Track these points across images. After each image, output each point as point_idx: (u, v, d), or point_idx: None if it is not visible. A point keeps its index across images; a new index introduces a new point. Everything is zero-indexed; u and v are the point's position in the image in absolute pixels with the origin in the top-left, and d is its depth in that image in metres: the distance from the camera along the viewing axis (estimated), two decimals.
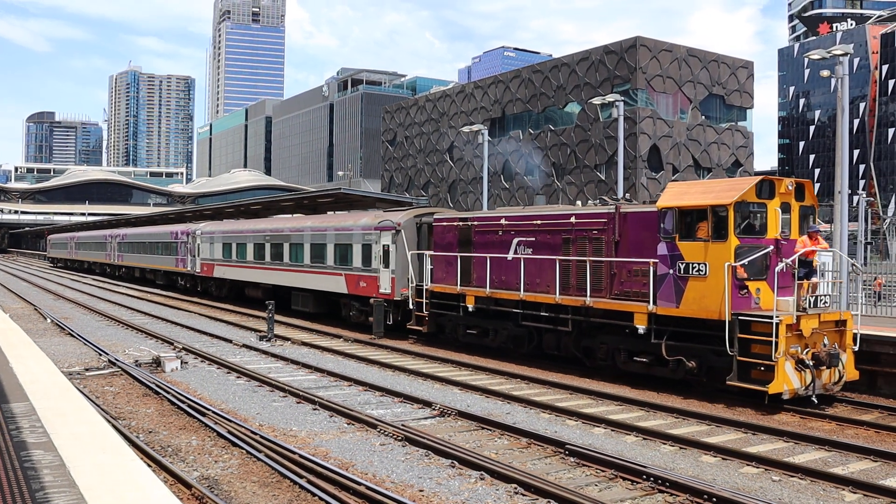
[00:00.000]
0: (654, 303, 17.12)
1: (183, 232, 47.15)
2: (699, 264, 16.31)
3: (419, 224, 26.12)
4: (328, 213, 38.88)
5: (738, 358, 15.54)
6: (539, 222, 21.02)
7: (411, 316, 25.32)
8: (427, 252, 24.85)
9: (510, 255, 21.62)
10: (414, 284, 25.08)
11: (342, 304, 29.79)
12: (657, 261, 17.14)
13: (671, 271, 16.80)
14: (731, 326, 15.55)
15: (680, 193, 17.16)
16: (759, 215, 16.60)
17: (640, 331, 17.46)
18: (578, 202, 22.75)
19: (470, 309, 22.83)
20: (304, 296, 32.27)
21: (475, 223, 23.25)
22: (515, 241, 21.57)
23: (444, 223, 24.65)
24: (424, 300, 24.60)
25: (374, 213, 28.94)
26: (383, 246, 26.48)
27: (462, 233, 23.59)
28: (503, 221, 22.15)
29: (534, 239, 21.01)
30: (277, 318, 30.24)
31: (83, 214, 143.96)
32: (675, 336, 17.04)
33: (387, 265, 26.28)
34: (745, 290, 16.02)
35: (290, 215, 42.48)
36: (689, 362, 16.69)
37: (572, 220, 19.89)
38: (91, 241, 76.35)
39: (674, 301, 16.75)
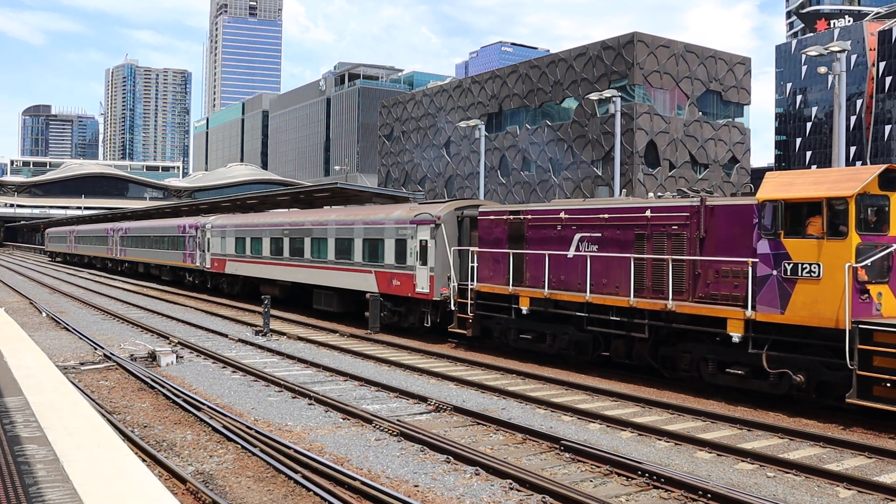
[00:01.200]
0: (753, 308, 15.23)
1: (191, 225, 44.71)
2: (811, 265, 14.44)
3: (460, 218, 24.23)
4: (356, 205, 36.58)
5: (859, 372, 13.70)
6: (606, 216, 18.96)
7: (452, 318, 23.52)
8: (472, 248, 23.02)
9: (571, 253, 19.68)
10: (456, 283, 23.23)
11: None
12: (756, 260, 15.26)
13: (774, 272, 14.94)
14: (851, 336, 13.75)
15: (785, 184, 15.30)
16: (880, 209, 14.64)
17: (735, 339, 15.53)
18: (651, 194, 20.33)
19: (524, 311, 20.71)
20: (327, 294, 30.10)
21: (529, 217, 21.22)
22: (577, 236, 19.59)
23: (492, 217, 22.48)
24: (469, 301, 22.57)
25: (409, 205, 27.01)
26: (420, 241, 24.51)
27: (513, 227, 21.59)
28: (563, 215, 20.07)
29: (600, 234, 19.01)
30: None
31: (79, 208, 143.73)
32: (778, 346, 15.15)
33: (424, 262, 24.26)
34: (866, 295, 14.24)
35: (312, 208, 40.18)
36: (795, 376, 14.80)
37: (647, 213, 17.92)
38: (91, 234, 73.79)
39: (777, 306, 14.88)
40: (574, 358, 19.97)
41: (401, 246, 25.53)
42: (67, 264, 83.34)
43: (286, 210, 41.73)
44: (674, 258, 17.09)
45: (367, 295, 26.71)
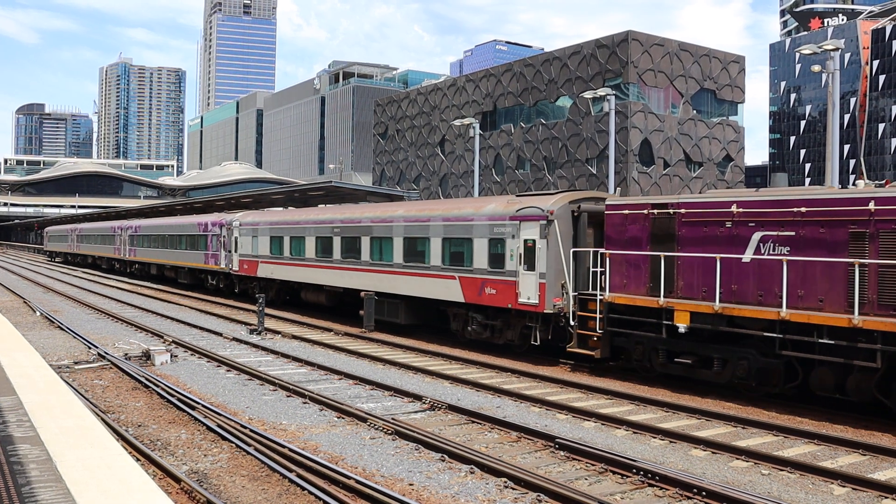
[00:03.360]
0: None
1: (214, 223, 40.41)
2: None
3: (576, 212, 20.22)
4: (433, 199, 33.02)
5: None
6: (804, 210, 15.08)
7: (564, 335, 19.95)
8: (602, 250, 18.88)
9: (747, 256, 15.83)
10: (574, 293, 19.45)
11: (452, 315, 23.66)
12: None
13: None
14: None
15: None
16: None
17: None
18: (861, 182, 16.56)
19: (681, 329, 16.70)
20: (391, 303, 25.78)
21: (682, 211, 17.16)
22: (757, 235, 15.76)
23: (626, 211, 18.44)
24: (598, 315, 18.50)
25: (506, 198, 22.68)
26: (526, 241, 20.43)
27: (658, 224, 17.65)
28: (735, 209, 16.17)
29: (793, 233, 15.21)
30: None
31: (73, 207, 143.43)
32: None
33: (531, 267, 20.16)
34: None
35: (372, 203, 35.63)
36: None
37: (871, 206, 14.16)
38: (96, 233, 68.40)
39: None
40: (755, 389, 16.08)
41: (497, 247, 21.48)
42: (68, 265, 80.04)
43: (337, 205, 37.90)
44: None
45: (362, 293, 26.44)
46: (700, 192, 18.50)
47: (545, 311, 19.81)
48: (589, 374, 19.04)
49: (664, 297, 17.12)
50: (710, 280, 16.37)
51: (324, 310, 31.69)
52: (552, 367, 20.00)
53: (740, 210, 16.20)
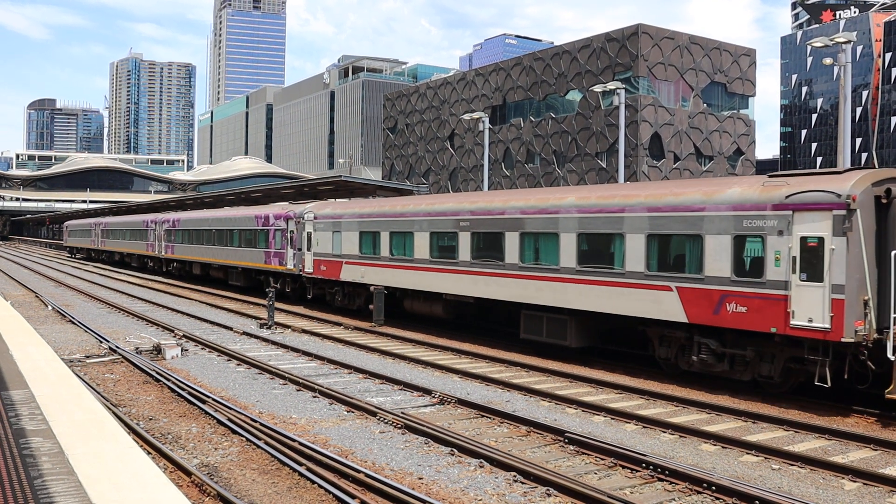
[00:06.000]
0: None
1: (278, 216, 34.85)
2: None
3: (884, 199, 14.52)
4: (623, 183, 25.16)
5: None
6: None
7: (864, 373, 14.21)
8: None
9: None
10: (875, 313, 14.10)
11: (657, 339, 17.79)
12: None
13: None
14: None
15: None
16: None
17: None
18: None
19: None
20: (554, 319, 20.09)
21: None
22: None
23: None
24: None
25: (755, 178, 16.58)
26: (805, 239, 14.65)
27: None
28: None
29: None
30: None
31: (84, 202, 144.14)
32: None
33: (815, 276, 14.41)
34: None
35: (520, 189, 27.62)
36: None
37: None
38: (125, 228, 62.04)
39: None
40: None
41: (748, 247, 15.91)
42: (92, 261, 75.54)
43: (464, 193, 31.26)
44: None
45: (372, 288, 26.41)
46: None
47: (843, 340, 13.94)
48: None
49: None
50: None
51: (438, 323, 26.26)
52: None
53: None
